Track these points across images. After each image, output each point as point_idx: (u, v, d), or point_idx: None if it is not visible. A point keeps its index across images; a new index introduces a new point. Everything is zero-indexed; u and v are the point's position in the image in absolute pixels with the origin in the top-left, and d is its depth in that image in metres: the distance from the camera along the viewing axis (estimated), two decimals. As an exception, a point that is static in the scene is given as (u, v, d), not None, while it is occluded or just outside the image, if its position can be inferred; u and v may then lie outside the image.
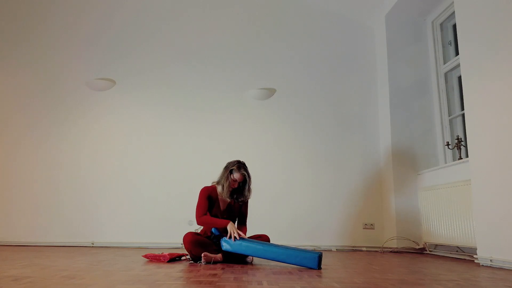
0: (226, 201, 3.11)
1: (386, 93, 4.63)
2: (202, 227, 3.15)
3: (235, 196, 3.08)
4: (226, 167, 3.07)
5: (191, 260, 2.93)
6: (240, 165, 3.02)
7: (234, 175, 3.00)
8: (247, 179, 3.02)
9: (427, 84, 4.61)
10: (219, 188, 3.08)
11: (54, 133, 4.84)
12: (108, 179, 4.70)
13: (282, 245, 2.77)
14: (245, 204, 3.17)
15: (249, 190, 3.05)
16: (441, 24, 4.58)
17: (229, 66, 4.96)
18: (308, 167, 4.71)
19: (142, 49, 5.01)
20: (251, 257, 2.96)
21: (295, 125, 4.83)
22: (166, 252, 3.15)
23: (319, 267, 2.55)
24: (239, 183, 3.03)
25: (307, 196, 4.63)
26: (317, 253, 2.59)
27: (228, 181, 3.00)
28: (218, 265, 2.69)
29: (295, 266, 2.71)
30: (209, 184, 3.16)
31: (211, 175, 3.27)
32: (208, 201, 3.05)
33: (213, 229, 2.89)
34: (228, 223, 2.85)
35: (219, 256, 2.84)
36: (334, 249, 4.45)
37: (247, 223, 3.19)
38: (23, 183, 4.74)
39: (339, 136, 4.80)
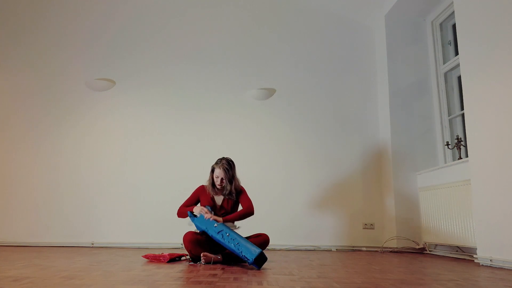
0: (220, 198, 3.18)
1: (386, 93, 4.63)
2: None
3: (224, 192, 3.15)
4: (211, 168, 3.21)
5: (191, 261, 2.94)
6: (220, 161, 3.13)
7: (215, 172, 3.11)
8: (224, 173, 3.07)
9: (426, 84, 4.61)
10: (209, 189, 3.17)
11: (54, 133, 4.84)
12: (108, 179, 4.70)
13: (234, 238, 2.71)
14: (242, 194, 3.17)
15: (229, 182, 3.10)
16: (440, 24, 4.58)
17: (229, 66, 4.96)
18: (308, 167, 4.71)
19: (142, 49, 5.01)
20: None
21: (295, 125, 4.83)
22: (166, 252, 3.15)
23: (258, 265, 2.52)
24: (223, 179, 3.09)
25: (307, 196, 4.63)
26: (254, 255, 2.51)
27: (210, 179, 3.16)
28: (218, 265, 2.69)
29: (296, 266, 2.72)
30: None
31: (211, 175, 3.28)
32: (201, 199, 3.17)
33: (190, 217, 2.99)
34: (189, 208, 3.06)
35: (218, 256, 2.84)
36: (334, 249, 4.46)
37: (252, 206, 3.15)
38: (23, 183, 4.74)
39: (339, 136, 4.80)
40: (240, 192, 3.19)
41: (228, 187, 3.11)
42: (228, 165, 3.10)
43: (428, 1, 4.42)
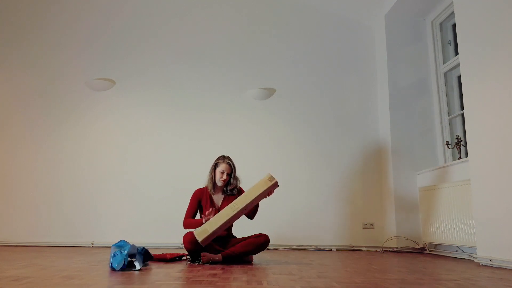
0: (220, 198, 3.17)
1: (386, 93, 4.63)
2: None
3: (224, 190, 3.16)
4: (211, 165, 3.20)
5: (191, 260, 2.94)
6: (224, 157, 3.17)
7: (220, 168, 3.11)
8: (233, 168, 3.14)
9: (426, 84, 4.61)
10: (209, 186, 3.15)
11: (54, 133, 4.84)
12: (108, 179, 4.70)
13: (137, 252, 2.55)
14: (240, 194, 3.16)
15: (235, 178, 3.16)
16: (440, 24, 4.58)
17: (229, 66, 4.96)
18: (307, 167, 4.71)
19: (142, 49, 5.01)
20: (251, 257, 2.97)
21: (294, 125, 4.83)
22: (166, 252, 3.15)
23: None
24: (228, 174, 3.11)
25: (307, 196, 4.63)
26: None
27: (212, 174, 3.14)
28: (218, 265, 2.69)
29: (296, 266, 2.72)
30: (204, 185, 3.23)
31: (211, 175, 3.28)
32: (200, 203, 3.16)
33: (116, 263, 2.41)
34: (201, 221, 2.93)
35: (218, 256, 2.84)
36: (334, 249, 4.46)
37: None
38: (23, 183, 4.74)
39: (339, 135, 4.80)
40: (241, 193, 3.20)
41: (234, 183, 3.14)
42: (233, 162, 3.17)
43: (428, 1, 4.42)
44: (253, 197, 2.80)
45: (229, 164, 3.13)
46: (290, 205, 4.61)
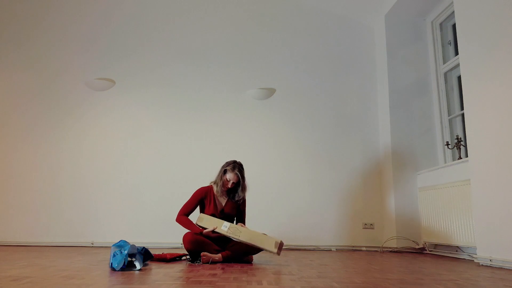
0: (224, 200, 3.15)
1: (386, 93, 4.64)
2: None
3: (231, 195, 3.13)
4: (221, 167, 3.14)
5: (190, 260, 2.94)
6: (234, 166, 3.06)
7: (228, 176, 3.05)
8: (241, 180, 3.06)
9: (426, 84, 4.61)
10: (215, 188, 3.11)
11: (54, 133, 4.84)
12: (108, 179, 4.70)
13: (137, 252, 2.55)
14: (242, 203, 3.19)
15: (242, 189, 3.09)
16: (440, 24, 4.58)
17: (229, 66, 4.96)
18: (307, 167, 4.71)
19: (141, 49, 5.01)
20: (251, 257, 2.97)
21: (294, 125, 4.83)
22: (166, 252, 3.15)
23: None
24: (234, 183, 3.06)
25: (307, 196, 4.63)
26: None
27: (221, 180, 3.07)
28: (218, 265, 2.69)
29: (296, 266, 2.72)
30: (208, 184, 3.20)
31: (210, 175, 3.28)
32: (202, 202, 3.12)
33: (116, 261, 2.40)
34: (197, 230, 2.92)
35: (218, 256, 2.84)
36: (333, 249, 4.46)
37: (245, 221, 3.21)
38: (23, 183, 4.73)
39: (338, 135, 4.80)
40: (243, 201, 3.19)
41: (241, 194, 3.09)
42: (242, 173, 3.06)
43: (428, 1, 4.42)
44: (252, 240, 2.80)
45: (237, 175, 3.03)
46: (290, 205, 4.61)
